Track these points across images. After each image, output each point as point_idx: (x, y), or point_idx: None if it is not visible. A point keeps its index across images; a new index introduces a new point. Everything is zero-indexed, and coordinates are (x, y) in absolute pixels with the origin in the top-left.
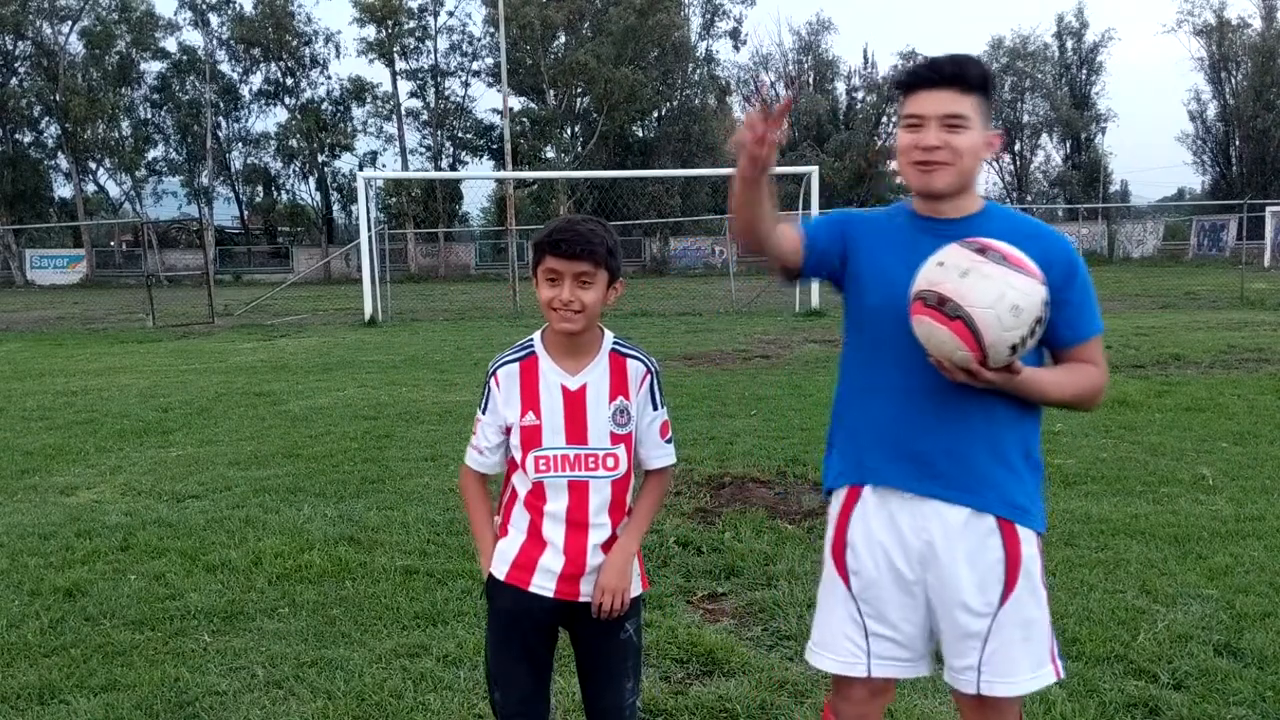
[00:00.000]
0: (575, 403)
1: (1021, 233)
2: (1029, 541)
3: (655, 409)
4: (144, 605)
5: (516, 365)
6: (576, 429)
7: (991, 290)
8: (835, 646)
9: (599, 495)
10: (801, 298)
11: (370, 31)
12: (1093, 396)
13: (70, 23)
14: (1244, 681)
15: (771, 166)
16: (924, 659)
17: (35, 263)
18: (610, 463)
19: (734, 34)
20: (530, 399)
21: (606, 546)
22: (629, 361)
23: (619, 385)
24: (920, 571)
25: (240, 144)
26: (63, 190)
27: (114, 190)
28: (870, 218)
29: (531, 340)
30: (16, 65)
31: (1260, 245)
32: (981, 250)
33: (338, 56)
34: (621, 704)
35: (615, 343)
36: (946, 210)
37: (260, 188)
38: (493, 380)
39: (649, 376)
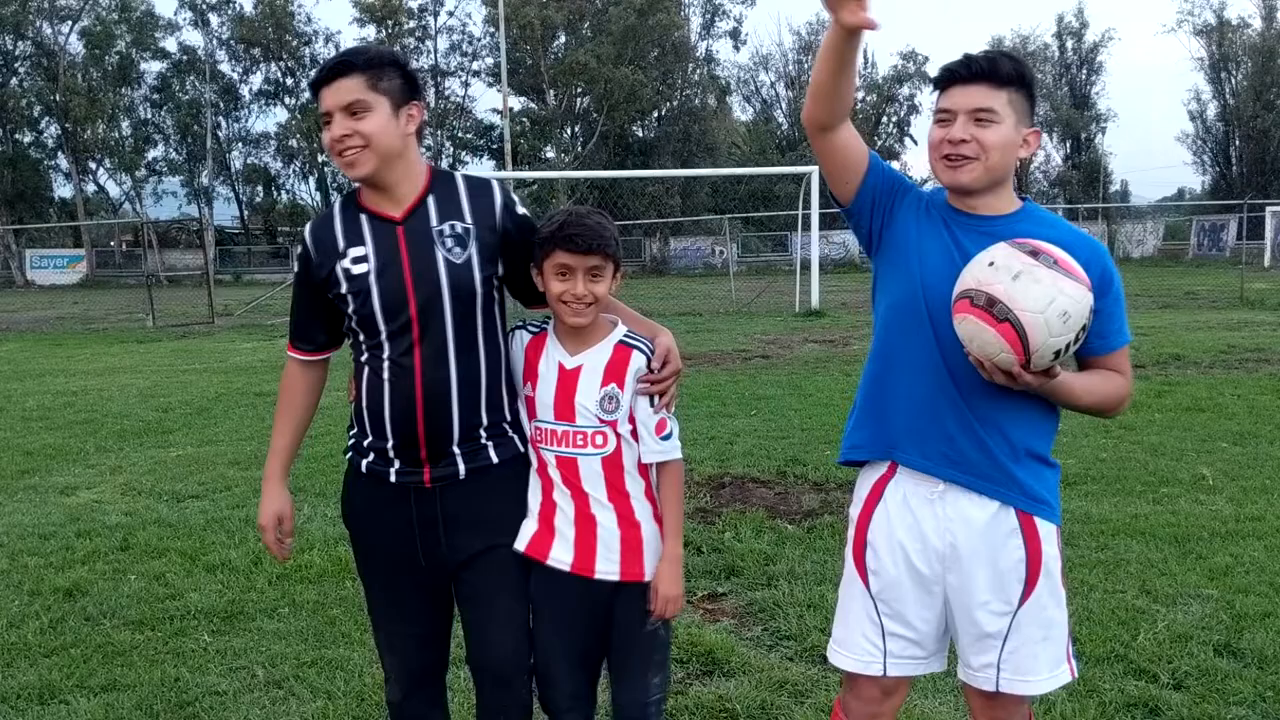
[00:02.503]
0: (568, 381)
1: (1059, 237)
2: (1050, 540)
3: (652, 404)
4: (144, 605)
5: (528, 337)
6: (565, 406)
7: (1043, 295)
8: (853, 645)
9: (589, 469)
10: (801, 298)
11: (370, 31)
12: (1117, 404)
13: (70, 23)
14: (1244, 681)
15: (861, 13)
16: (937, 655)
17: (35, 263)
18: (599, 440)
19: (734, 34)
20: (531, 372)
21: (626, 529)
22: (633, 354)
23: (614, 372)
24: (940, 571)
25: (240, 144)
26: (63, 190)
27: (114, 190)
28: (915, 191)
29: (548, 322)
30: (16, 65)
31: (1260, 245)
32: (1034, 253)
33: None
34: (645, 699)
35: (626, 335)
36: (980, 207)
37: (260, 188)
38: (511, 337)
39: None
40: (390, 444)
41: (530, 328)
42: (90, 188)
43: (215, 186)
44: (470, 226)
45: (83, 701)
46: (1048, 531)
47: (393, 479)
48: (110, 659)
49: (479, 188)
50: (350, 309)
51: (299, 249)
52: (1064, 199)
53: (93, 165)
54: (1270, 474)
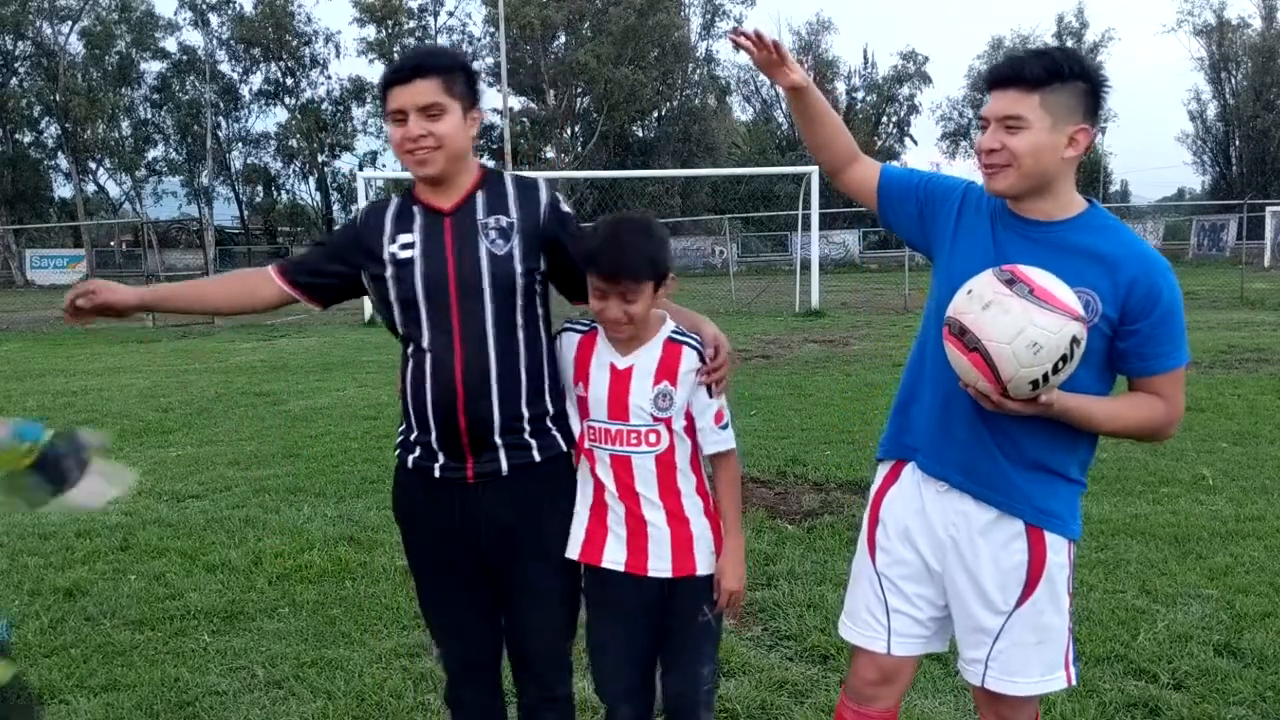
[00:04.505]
0: (620, 382)
1: (1108, 250)
2: (1058, 550)
3: (710, 396)
4: (144, 605)
5: (577, 337)
6: (618, 406)
7: (1010, 326)
8: (859, 619)
9: (643, 469)
10: (801, 298)
11: (370, 31)
12: (1156, 432)
13: (70, 23)
14: (1244, 681)
15: (791, 75)
16: (938, 636)
17: (35, 263)
18: (653, 438)
19: None
20: (582, 372)
21: (676, 526)
22: (684, 350)
23: (666, 370)
24: (942, 562)
25: (240, 144)
26: (63, 190)
27: (114, 190)
28: (958, 192)
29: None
30: (16, 65)
31: (1260, 245)
32: (1010, 281)
33: (338, 56)
34: (696, 689)
35: (673, 332)
36: (1031, 211)
37: (260, 188)
38: (558, 339)
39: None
40: (433, 436)
41: (579, 326)
42: (90, 188)
43: (215, 186)
44: (514, 221)
45: (83, 701)
46: (1056, 543)
47: (437, 474)
48: (110, 659)
49: (526, 186)
50: (394, 294)
51: (352, 217)
52: None
53: (93, 165)
54: (1270, 474)
